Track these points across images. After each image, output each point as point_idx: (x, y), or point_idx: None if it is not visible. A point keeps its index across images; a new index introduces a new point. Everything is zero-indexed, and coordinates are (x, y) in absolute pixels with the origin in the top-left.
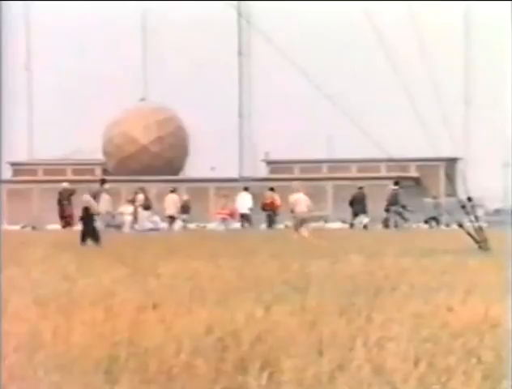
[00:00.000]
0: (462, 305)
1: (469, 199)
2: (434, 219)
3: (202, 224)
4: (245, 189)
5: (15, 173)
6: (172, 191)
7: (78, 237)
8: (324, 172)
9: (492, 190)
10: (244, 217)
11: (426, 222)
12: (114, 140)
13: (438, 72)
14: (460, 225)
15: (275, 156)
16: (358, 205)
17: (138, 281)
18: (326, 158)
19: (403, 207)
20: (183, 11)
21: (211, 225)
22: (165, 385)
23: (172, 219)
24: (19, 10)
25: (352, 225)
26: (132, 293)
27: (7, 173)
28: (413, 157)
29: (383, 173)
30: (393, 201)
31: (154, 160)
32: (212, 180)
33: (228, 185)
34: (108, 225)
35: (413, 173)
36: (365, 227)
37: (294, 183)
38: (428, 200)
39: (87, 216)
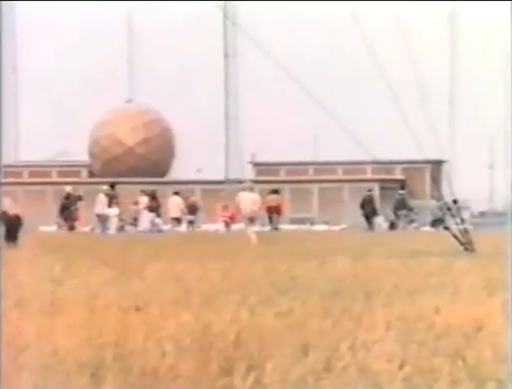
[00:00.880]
0: (448, 307)
1: (454, 202)
2: (439, 220)
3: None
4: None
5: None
6: (176, 193)
7: (69, 239)
8: (310, 174)
9: (478, 192)
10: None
11: (433, 224)
12: (100, 142)
13: (423, 73)
14: (446, 228)
15: (262, 157)
16: (368, 208)
17: (124, 283)
18: (312, 160)
19: (410, 209)
20: (169, 13)
21: (213, 227)
22: (150, 387)
23: (177, 220)
24: (4, 11)
25: (369, 228)
26: (117, 295)
27: None
28: (399, 159)
29: (369, 176)
30: (400, 204)
31: (140, 162)
32: (198, 182)
33: (214, 188)
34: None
35: (399, 176)
36: (379, 227)
37: (248, 183)
38: (433, 202)
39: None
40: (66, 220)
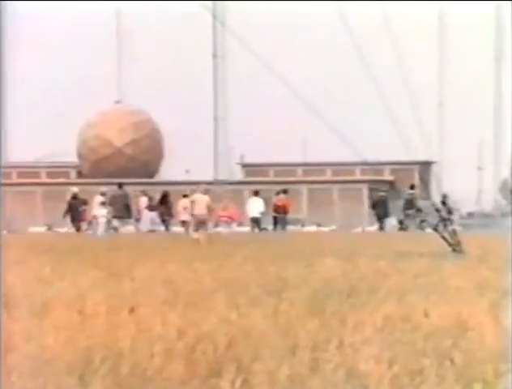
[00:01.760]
0: (436, 308)
1: (443, 203)
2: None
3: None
4: (256, 193)
5: None
6: (185, 196)
7: (58, 240)
8: (299, 175)
9: (467, 193)
10: (255, 221)
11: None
12: (89, 143)
13: (413, 74)
14: (435, 229)
15: (250, 159)
16: (380, 209)
17: (113, 284)
18: (301, 161)
19: (419, 210)
20: (158, 13)
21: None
22: (139, 388)
23: (185, 223)
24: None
25: (381, 228)
26: (106, 296)
27: None
28: (387, 160)
29: (358, 177)
30: (409, 205)
31: (129, 163)
32: (187, 183)
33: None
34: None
35: (387, 177)
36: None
37: (201, 185)
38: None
39: None
40: (73, 221)
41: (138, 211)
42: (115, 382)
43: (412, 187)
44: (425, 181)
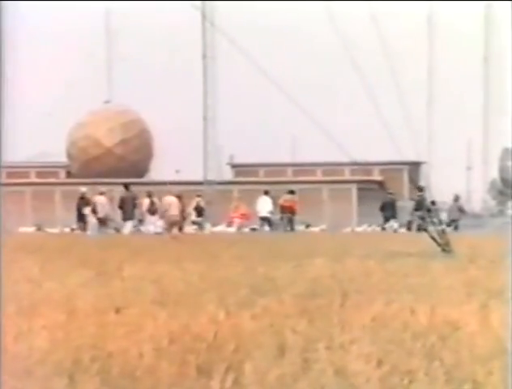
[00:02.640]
0: (425, 308)
1: (433, 203)
2: (455, 221)
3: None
4: (266, 192)
5: None
6: (199, 196)
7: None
8: (289, 175)
9: (456, 193)
10: (264, 220)
11: (448, 225)
12: (78, 143)
13: (401, 74)
14: (424, 229)
15: (240, 159)
16: (388, 210)
17: (103, 284)
18: (291, 161)
19: (429, 210)
20: (147, 13)
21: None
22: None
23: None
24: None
25: (383, 229)
26: (95, 296)
27: None
28: (377, 161)
29: (347, 177)
30: (418, 206)
31: (118, 163)
32: (177, 183)
33: (192, 189)
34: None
35: (377, 177)
36: (395, 231)
37: (174, 187)
38: (450, 203)
39: None
40: (79, 220)
41: (142, 213)
42: (104, 383)
43: (421, 189)
44: (415, 182)
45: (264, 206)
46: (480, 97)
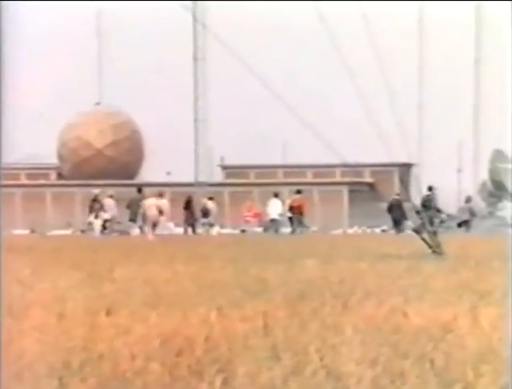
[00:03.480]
0: (417, 310)
1: (424, 205)
2: (466, 222)
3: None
4: (276, 195)
5: None
6: (211, 198)
7: (41, 242)
8: (279, 177)
9: (446, 195)
10: (273, 222)
11: (459, 225)
12: (69, 144)
13: (392, 77)
14: (415, 230)
15: (231, 160)
16: (396, 212)
17: (93, 285)
18: (282, 163)
19: (438, 210)
20: (138, 14)
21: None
22: None
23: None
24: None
25: (397, 232)
26: (86, 297)
27: None
28: (367, 162)
29: (338, 179)
30: (426, 205)
31: (109, 164)
32: (168, 184)
33: (183, 190)
34: (113, 230)
35: (367, 179)
36: (402, 231)
37: (161, 189)
38: (462, 204)
39: None
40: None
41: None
42: (95, 385)
43: (430, 189)
44: (405, 183)
45: (275, 208)
46: (471, 99)
